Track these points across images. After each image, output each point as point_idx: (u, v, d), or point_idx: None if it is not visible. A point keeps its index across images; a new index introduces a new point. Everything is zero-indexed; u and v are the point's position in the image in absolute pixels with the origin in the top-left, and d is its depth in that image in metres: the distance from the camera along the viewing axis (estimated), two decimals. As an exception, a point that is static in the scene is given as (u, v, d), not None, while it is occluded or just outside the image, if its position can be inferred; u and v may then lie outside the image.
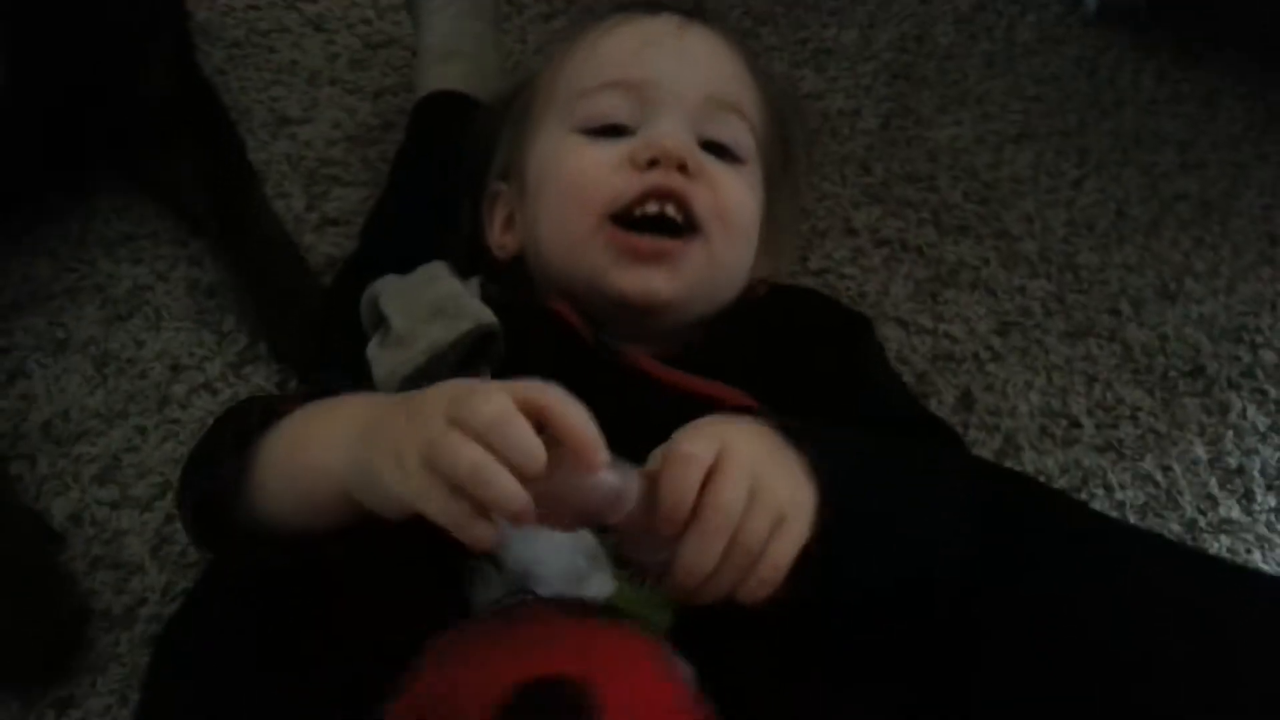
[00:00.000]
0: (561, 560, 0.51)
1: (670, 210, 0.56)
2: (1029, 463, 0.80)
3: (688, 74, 0.59)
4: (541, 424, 0.41)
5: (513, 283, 0.64)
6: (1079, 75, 1.11)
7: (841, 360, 0.60)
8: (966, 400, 0.83)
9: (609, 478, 0.42)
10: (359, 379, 0.60)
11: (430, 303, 0.56)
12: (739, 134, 0.60)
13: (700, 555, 0.43)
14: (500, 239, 0.66)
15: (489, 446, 0.39)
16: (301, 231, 0.90)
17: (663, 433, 0.47)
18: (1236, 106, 1.09)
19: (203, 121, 0.91)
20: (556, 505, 0.41)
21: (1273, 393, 0.86)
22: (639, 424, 0.52)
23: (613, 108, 0.59)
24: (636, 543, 0.45)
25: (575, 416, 0.41)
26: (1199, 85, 1.11)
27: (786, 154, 0.66)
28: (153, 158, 0.89)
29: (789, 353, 0.59)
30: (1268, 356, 0.88)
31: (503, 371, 0.52)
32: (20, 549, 0.68)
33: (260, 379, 0.79)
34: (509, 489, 0.39)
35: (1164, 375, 0.86)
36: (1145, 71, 1.12)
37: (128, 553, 0.70)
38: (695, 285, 0.57)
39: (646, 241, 0.55)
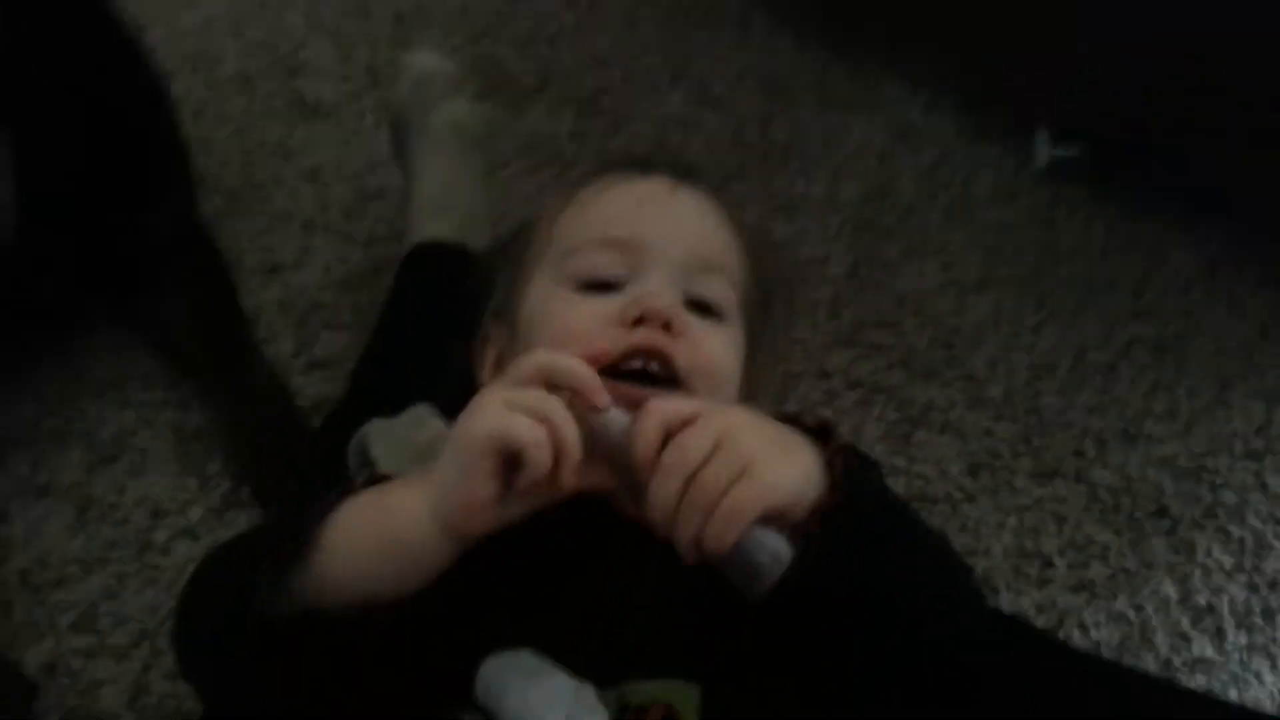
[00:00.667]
0: (558, 714, 0.51)
1: (653, 366, 0.59)
2: (1006, 603, 0.81)
3: (676, 234, 0.63)
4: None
5: None
6: (1034, 225, 1.17)
7: None
8: (941, 541, 0.85)
9: (618, 415, 0.51)
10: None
11: (417, 445, 0.58)
12: (722, 292, 0.63)
13: (660, 491, 0.47)
14: (490, 380, 0.68)
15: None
16: (289, 374, 0.92)
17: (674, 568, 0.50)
18: (1183, 254, 1.15)
19: (200, 266, 0.95)
20: (591, 445, 0.50)
21: (1235, 532, 0.88)
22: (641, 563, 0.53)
23: (603, 264, 0.62)
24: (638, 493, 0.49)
25: (574, 367, 0.51)
26: (1147, 234, 1.17)
27: (767, 308, 0.70)
28: (149, 299, 0.92)
29: None
30: (1227, 496, 0.91)
31: None
32: (-8, 700, 0.67)
33: (243, 524, 0.80)
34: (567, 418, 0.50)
35: (1130, 516, 0.88)
36: (1096, 221, 1.18)
37: (103, 703, 0.70)
38: None
39: (631, 389, 0.58)
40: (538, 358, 0.52)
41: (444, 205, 0.94)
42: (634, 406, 0.57)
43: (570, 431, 0.49)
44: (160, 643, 0.72)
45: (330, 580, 0.50)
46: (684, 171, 0.69)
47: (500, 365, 0.68)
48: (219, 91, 1.22)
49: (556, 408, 0.49)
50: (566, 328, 0.60)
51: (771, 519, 0.48)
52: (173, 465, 0.84)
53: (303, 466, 0.80)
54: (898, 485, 0.88)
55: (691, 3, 1.44)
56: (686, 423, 0.49)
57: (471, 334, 0.72)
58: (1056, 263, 1.13)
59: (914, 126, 1.29)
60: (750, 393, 0.66)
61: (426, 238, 0.91)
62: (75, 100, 0.80)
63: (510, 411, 0.49)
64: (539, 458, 0.48)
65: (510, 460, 0.49)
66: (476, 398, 0.51)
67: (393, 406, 0.75)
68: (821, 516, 0.49)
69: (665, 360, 0.59)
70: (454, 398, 0.72)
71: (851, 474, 0.50)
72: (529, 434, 0.48)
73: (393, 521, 0.51)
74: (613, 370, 0.59)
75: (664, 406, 0.50)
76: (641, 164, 0.69)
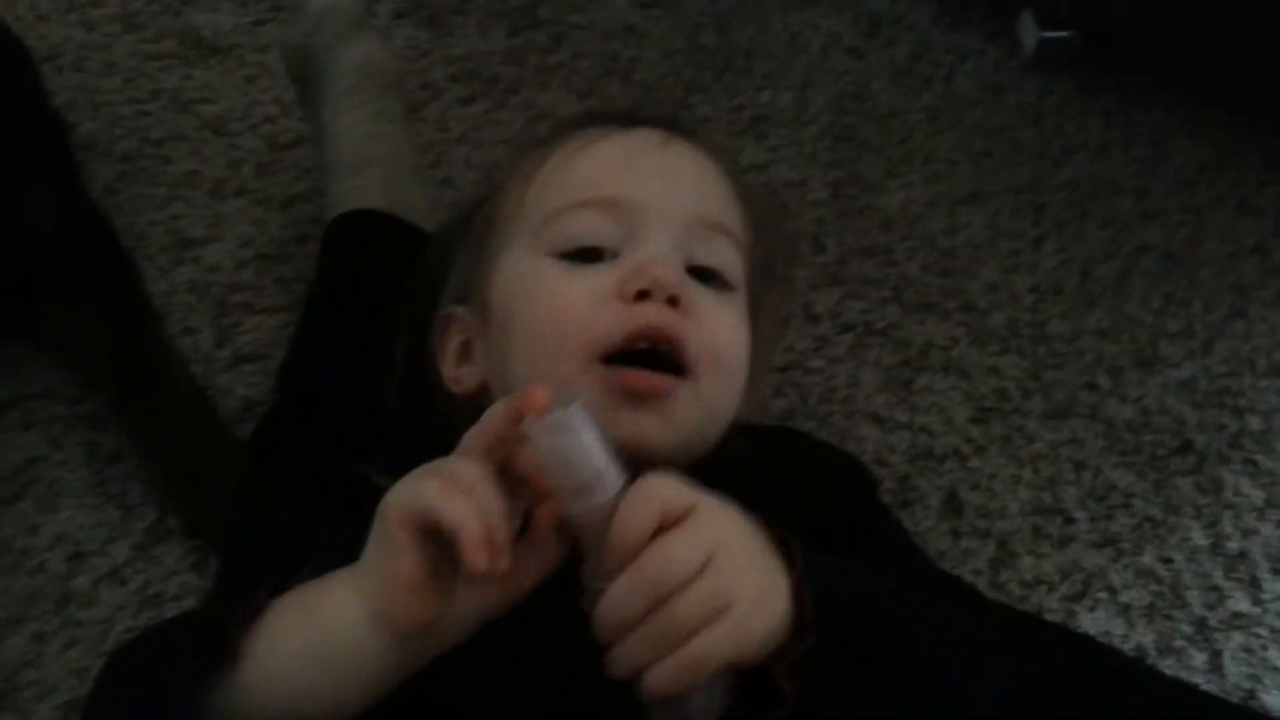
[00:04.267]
0: None
1: (664, 349, 0.51)
2: (1027, 569, 0.75)
3: (674, 193, 0.54)
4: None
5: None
6: (1025, 124, 1.07)
7: (846, 515, 0.54)
8: (953, 503, 0.78)
9: (609, 472, 0.40)
10: (280, 558, 0.52)
11: None
12: (729, 257, 0.55)
13: (621, 598, 0.40)
14: (454, 371, 0.60)
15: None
16: (213, 373, 0.81)
17: None
18: (1186, 146, 1.06)
19: (95, 258, 0.82)
20: (550, 468, 0.41)
21: (1264, 463, 0.82)
22: None
23: (591, 228, 0.53)
24: (591, 565, 0.42)
25: (491, 410, 0.43)
26: (1146, 126, 1.07)
27: (768, 274, 0.60)
28: (40, 304, 0.80)
29: (786, 508, 0.53)
30: (1253, 422, 0.84)
31: None
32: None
33: (173, 560, 0.71)
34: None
35: (1152, 454, 0.82)
36: (1091, 115, 1.08)
37: (34, 790, 0.61)
38: (685, 431, 0.52)
39: (644, 377, 0.50)
40: (469, 431, 0.43)
41: (363, 161, 0.82)
42: (646, 401, 0.50)
43: (490, 500, 0.40)
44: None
45: (259, 692, 0.43)
46: (674, 123, 0.59)
47: (467, 352, 0.59)
48: (102, 34, 1.06)
49: (475, 473, 0.41)
50: (555, 307, 0.52)
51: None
52: (89, 496, 0.74)
53: (235, 487, 0.70)
54: (902, 443, 0.81)
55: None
56: (682, 518, 0.40)
57: (419, 318, 0.62)
58: (1053, 166, 1.03)
59: (885, 17, 1.17)
60: (752, 378, 0.58)
61: (348, 205, 0.79)
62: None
63: (425, 477, 0.41)
64: (456, 527, 0.39)
65: (437, 537, 0.40)
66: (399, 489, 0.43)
67: (326, 414, 0.66)
68: (791, 669, 0.41)
69: (674, 344, 0.50)
70: (397, 396, 0.64)
71: (824, 603, 0.42)
72: (437, 500, 0.40)
73: (323, 617, 0.43)
74: (615, 356, 0.51)
75: (664, 491, 0.41)
76: (623, 117, 0.59)
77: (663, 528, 0.40)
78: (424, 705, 0.43)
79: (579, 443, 0.40)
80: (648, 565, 0.39)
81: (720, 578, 0.40)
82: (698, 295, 0.52)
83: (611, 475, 0.40)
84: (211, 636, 0.43)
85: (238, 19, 1.09)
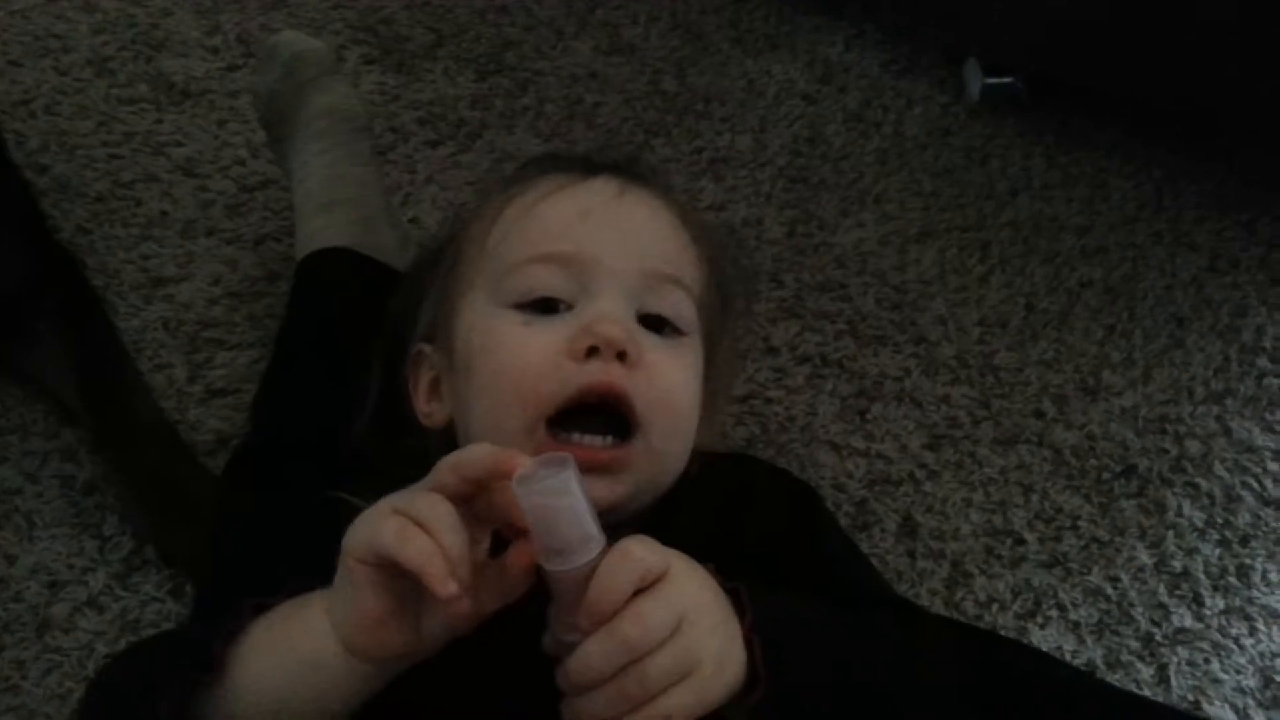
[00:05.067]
0: None
1: (610, 404, 0.53)
2: (980, 589, 0.77)
3: (626, 246, 0.57)
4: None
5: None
6: (971, 166, 1.12)
7: (799, 541, 0.57)
8: (909, 526, 0.81)
9: (588, 533, 0.42)
10: (257, 584, 0.54)
11: None
12: (680, 305, 0.57)
13: (596, 657, 0.42)
14: (426, 406, 0.62)
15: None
16: (186, 406, 0.83)
17: None
18: (1125, 186, 1.11)
19: (62, 296, 0.84)
20: (535, 525, 0.42)
21: (1204, 485, 0.86)
22: None
23: (547, 282, 0.55)
24: (561, 618, 0.44)
25: (476, 452, 0.44)
26: (1087, 166, 1.13)
27: (725, 310, 0.63)
28: (10, 341, 0.81)
29: (740, 536, 0.56)
30: (1193, 446, 0.88)
31: None
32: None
33: (150, 588, 0.72)
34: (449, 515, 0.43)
35: (1098, 478, 0.85)
36: (1034, 156, 1.13)
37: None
38: (636, 485, 0.54)
39: (593, 452, 0.52)
40: (446, 460, 0.45)
41: (332, 201, 0.84)
42: (589, 471, 0.51)
43: (452, 540, 0.42)
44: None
45: (242, 706, 0.45)
46: (630, 167, 0.62)
47: (437, 390, 0.61)
48: (74, 79, 1.08)
49: (438, 512, 0.42)
50: (509, 364, 0.54)
51: None
52: (65, 526, 0.75)
53: (210, 518, 0.71)
54: (859, 469, 0.84)
55: (590, -62, 1.33)
56: (655, 581, 0.43)
57: (394, 354, 0.64)
58: (998, 206, 1.08)
59: (837, 64, 1.22)
60: (708, 410, 0.61)
61: (318, 244, 0.81)
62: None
63: (386, 516, 0.43)
64: (418, 567, 0.41)
65: (400, 571, 0.42)
66: (362, 522, 0.44)
67: (299, 446, 0.68)
68: (746, 715, 0.44)
69: (622, 400, 0.53)
70: (369, 426, 0.66)
71: (772, 652, 0.45)
72: (394, 540, 0.42)
73: (300, 640, 0.45)
74: (562, 416, 0.53)
75: (642, 555, 0.43)
76: (583, 163, 0.61)
77: (637, 590, 0.42)
78: (389, 708, 0.46)
79: (569, 507, 0.42)
80: (623, 628, 0.41)
81: (689, 641, 0.42)
82: (647, 346, 0.54)
83: (595, 539, 0.42)
84: (197, 651, 0.45)
85: (209, 65, 1.12)
